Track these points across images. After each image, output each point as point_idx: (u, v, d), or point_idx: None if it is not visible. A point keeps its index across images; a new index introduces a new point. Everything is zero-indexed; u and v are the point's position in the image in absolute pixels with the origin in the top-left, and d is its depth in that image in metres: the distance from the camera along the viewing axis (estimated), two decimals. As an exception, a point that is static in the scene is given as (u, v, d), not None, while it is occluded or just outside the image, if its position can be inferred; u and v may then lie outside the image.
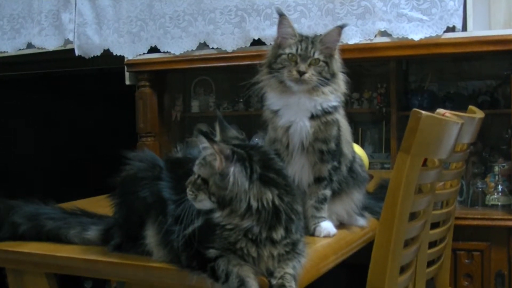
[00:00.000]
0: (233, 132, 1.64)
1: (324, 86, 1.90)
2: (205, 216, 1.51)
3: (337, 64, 1.96)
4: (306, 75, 1.87)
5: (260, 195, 1.47)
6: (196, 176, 1.52)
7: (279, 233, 1.48)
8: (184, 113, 4.50)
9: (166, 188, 1.65)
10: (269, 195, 1.48)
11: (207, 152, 1.50)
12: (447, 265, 2.67)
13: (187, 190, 1.51)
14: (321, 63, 1.90)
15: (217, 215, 1.48)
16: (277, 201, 1.49)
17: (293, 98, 1.90)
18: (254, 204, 1.46)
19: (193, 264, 1.49)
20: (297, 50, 1.90)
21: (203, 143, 1.50)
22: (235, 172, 1.46)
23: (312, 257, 1.60)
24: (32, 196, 2.03)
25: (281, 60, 1.92)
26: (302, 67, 1.87)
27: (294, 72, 1.87)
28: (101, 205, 1.88)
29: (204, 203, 1.50)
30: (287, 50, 1.91)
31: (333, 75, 1.93)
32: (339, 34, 1.94)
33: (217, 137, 1.59)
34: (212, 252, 1.46)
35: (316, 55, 1.90)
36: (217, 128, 1.62)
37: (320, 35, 1.94)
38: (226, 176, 1.46)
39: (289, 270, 1.49)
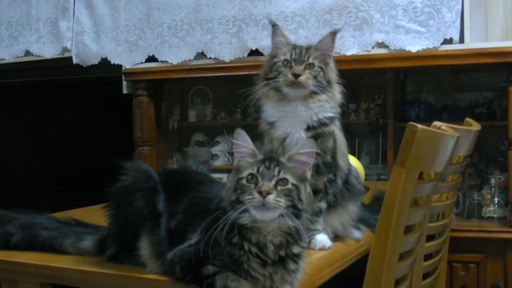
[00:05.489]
0: None
1: (320, 94, 1.90)
2: (202, 232, 1.50)
3: (332, 72, 1.97)
4: (302, 78, 1.87)
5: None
6: (284, 179, 1.45)
7: (296, 249, 1.50)
8: (181, 122, 4.51)
9: (160, 200, 1.65)
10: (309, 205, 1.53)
11: (283, 160, 1.48)
12: (443, 277, 2.67)
13: (272, 197, 1.41)
14: (316, 67, 1.90)
15: (289, 224, 1.45)
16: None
17: (290, 106, 1.91)
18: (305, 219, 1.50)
19: (187, 278, 1.48)
20: (291, 55, 1.91)
21: (306, 147, 1.49)
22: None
23: (307, 270, 1.59)
24: (28, 203, 2.02)
25: (276, 68, 1.92)
26: (297, 69, 1.88)
27: (290, 75, 1.88)
28: (97, 214, 1.87)
29: (281, 210, 1.42)
30: (282, 57, 1.92)
31: (329, 83, 1.94)
32: (333, 40, 1.95)
33: (250, 147, 1.54)
34: (210, 269, 1.45)
35: (311, 60, 1.90)
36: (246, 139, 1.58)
37: (314, 43, 1.95)
38: (308, 183, 1.49)
39: (287, 286, 1.49)
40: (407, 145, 1.66)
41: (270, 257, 1.46)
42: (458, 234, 3.09)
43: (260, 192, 1.41)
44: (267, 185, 1.42)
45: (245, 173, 1.46)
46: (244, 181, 1.45)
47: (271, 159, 1.47)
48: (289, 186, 1.44)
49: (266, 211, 1.41)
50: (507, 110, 3.17)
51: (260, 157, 1.49)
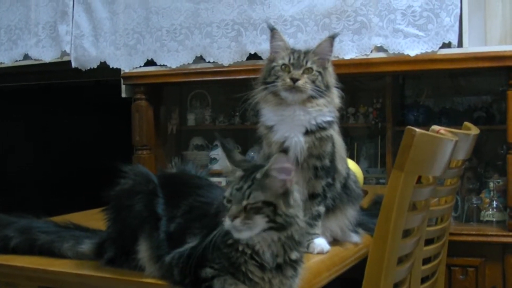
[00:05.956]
0: (238, 154, 1.62)
1: (318, 98, 1.90)
2: (202, 236, 1.50)
3: (331, 76, 1.97)
4: (300, 82, 1.87)
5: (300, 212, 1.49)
6: (254, 202, 1.43)
7: (293, 255, 1.49)
8: (180, 126, 4.51)
9: (160, 203, 1.65)
10: (302, 214, 1.50)
11: (257, 176, 1.46)
12: (442, 281, 2.67)
13: (239, 222, 1.42)
14: (314, 72, 1.90)
15: (275, 238, 1.46)
16: (304, 220, 1.50)
17: (288, 111, 1.91)
18: (302, 223, 1.49)
19: (185, 281, 1.48)
20: (289, 60, 1.92)
21: (279, 162, 1.44)
22: (295, 188, 1.48)
23: (305, 274, 1.59)
24: (26, 207, 2.02)
25: (274, 72, 1.93)
26: (295, 74, 1.88)
27: (288, 80, 1.88)
28: (96, 218, 1.88)
29: (259, 227, 1.43)
30: (280, 62, 1.93)
31: (328, 87, 1.94)
32: (331, 44, 1.95)
33: (227, 162, 1.55)
34: (208, 272, 1.46)
35: (309, 64, 1.91)
36: (223, 153, 1.57)
37: (312, 48, 1.95)
38: (293, 194, 1.47)
39: None
40: (405, 149, 1.66)
41: (268, 263, 1.46)
42: (456, 238, 3.09)
43: (229, 216, 1.43)
44: (234, 208, 1.43)
45: (224, 194, 1.48)
46: (225, 202, 1.47)
47: (246, 178, 1.47)
48: (259, 205, 1.43)
49: (238, 232, 1.43)
50: (505, 114, 3.17)
51: (239, 173, 1.49)
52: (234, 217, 1.42)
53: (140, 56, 3.93)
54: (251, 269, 1.45)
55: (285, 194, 1.45)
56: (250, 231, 1.43)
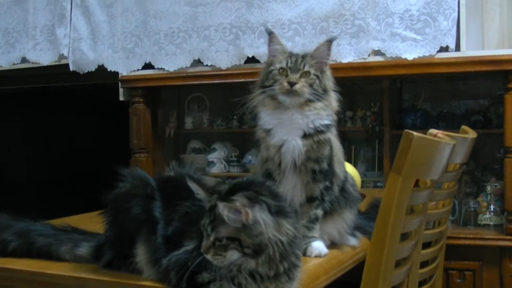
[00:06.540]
0: (210, 179, 1.61)
1: (316, 102, 1.90)
2: (199, 240, 1.50)
3: (329, 80, 1.96)
4: (297, 86, 1.87)
5: (281, 228, 1.45)
6: (218, 238, 1.43)
7: (281, 267, 1.47)
8: (177, 129, 4.51)
9: (157, 207, 1.65)
10: (288, 226, 1.47)
11: (217, 211, 1.43)
12: (439, 284, 2.67)
13: (210, 256, 1.42)
14: (312, 75, 1.90)
15: (252, 265, 1.44)
16: (291, 231, 1.48)
17: (286, 114, 1.91)
18: (283, 239, 1.45)
19: (182, 285, 1.48)
20: (287, 63, 1.91)
21: (223, 211, 1.41)
22: (260, 215, 1.42)
23: (303, 278, 1.59)
24: (24, 209, 2.02)
25: (272, 76, 1.92)
26: (293, 77, 1.88)
27: (285, 84, 1.88)
28: (94, 221, 1.87)
29: (233, 257, 1.43)
30: (278, 65, 1.93)
31: (325, 91, 1.94)
32: (329, 48, 1.95)
33: (201, 194, 1.53)
34: (205, 276, 1.45)
35: (307, 68, 1.90)
36: (194, 186, 1.54)
37: (310, 51, 1.95)
38: (256, 223, 1.42)
39: None
40: (403, 152, 1.66)
41: (261, 275, 1.45)
42: (454, 241, 3.10)
43: (202, 250, 1.44)
44: (204, 244, 1.44)
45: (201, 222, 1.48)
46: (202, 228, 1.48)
47: (210, 213, 1.46)
48: (224, 242, 1.42)
49: (214, 263, 1.44)
50: (503, 118, 3.18)
51: (211, 203, 1.48)
52: (205, 252, 1.43)
53: (138, 59, 3.94)
54: (245, 281, 1.45)
55: (246, 227, 1.43)
56: (223, 263, 1.43)
